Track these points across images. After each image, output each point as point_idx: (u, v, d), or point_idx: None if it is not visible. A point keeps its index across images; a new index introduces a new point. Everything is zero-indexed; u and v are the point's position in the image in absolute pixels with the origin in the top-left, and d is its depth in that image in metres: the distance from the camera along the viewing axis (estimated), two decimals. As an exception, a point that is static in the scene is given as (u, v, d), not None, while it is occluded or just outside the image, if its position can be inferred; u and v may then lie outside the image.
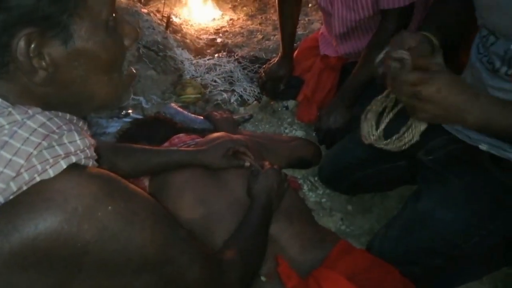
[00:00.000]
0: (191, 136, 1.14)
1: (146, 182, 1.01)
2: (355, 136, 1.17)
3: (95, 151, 0.50)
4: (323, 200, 1.27)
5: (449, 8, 0.89)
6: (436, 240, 0.88)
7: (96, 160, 0.50)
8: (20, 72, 0.43)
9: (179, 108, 1.52)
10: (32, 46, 0.42)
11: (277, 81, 1.60)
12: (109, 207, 0.45)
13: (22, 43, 0.41)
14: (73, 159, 0.45)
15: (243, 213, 0.87)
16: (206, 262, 0.58)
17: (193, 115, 1.50)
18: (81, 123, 0.51)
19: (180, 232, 0.55)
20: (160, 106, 1.60)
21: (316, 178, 1.32)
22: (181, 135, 1.15)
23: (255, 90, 1.75)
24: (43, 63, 0.43)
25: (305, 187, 1.30)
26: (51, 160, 0.43)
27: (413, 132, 0.77)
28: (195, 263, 0.55)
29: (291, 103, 1.65)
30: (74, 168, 0.45)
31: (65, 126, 0.46)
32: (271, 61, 1.67)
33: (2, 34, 0.41)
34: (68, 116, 0.49)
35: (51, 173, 0.43)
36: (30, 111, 0.44)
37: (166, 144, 1.11)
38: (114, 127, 1.43)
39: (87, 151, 0.48)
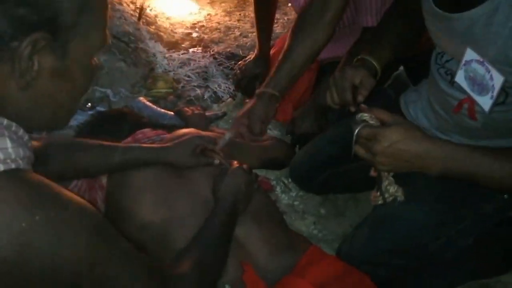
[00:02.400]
0: (156, 132, 1.06)
1: (103, 179, 0.92)
2: (326, 134, 1.15)
3: (40, 149, 0.44)
4: (296, 202, 1.22)
5: (395, 29, 0.91)
6: (403, 240, 0.86)
7: (45, 159, 0.45)
8: (7, 69, 0.41)
9: (148, 103, 1.44)
10: (35, 49, 0.41)
11: (253, 79, 1.55)
12: (37, 217, 0.39)
13: (30, 44, 0.41)
14: (1, 167, 0.40)
15: None
16: (151, 279, 0.52)
17: (163, 110, 1.42)
18: (21, 132, 0.45)
19: (121, 245, 0.49)
20: (128, 99, 1.52)
21: (289, 180, 1.26)
22: (146, 130, 1.07)
23: (230, 87, 1.70)
24: (34, 69, 0.43)
25: (278, 189, 1.24)
26: None
27: (387, 184, 0.75)
28: (138, 281, 0.50)
29: None
30: None
31: None
32: (247, 58, 1.62)
33: (16, 29, 0.40)
34: (5, 121, 0.43)
35: None
36: None
37: (128, 139, 1.03)
38: (76, 120, 1.33)
39: (20, 162, 0.42)
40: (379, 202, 0.76)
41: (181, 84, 1.69)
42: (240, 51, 1.91)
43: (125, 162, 0.87)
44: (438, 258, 0.90)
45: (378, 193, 0.75)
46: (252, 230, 0.88)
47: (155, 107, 1.43)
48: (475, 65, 0.66)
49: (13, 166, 0.41)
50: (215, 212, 0.81)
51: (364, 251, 0.90)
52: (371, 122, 0.68)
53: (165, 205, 0.85)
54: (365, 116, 0.68)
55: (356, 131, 0.67)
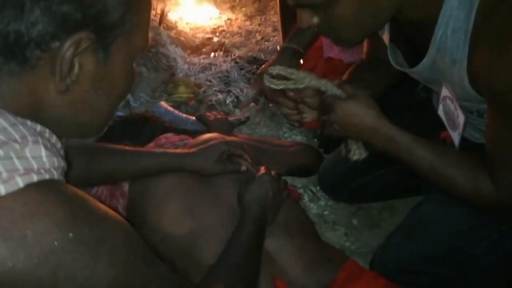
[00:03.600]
0: (180, 137, 1.01)
1: (125, 186, 0.87)
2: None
3: (66, 157, 0.41)
4: (326, 212, 1.14)
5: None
6: (438, 245, 0.81)
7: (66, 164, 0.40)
8: (46, 72, 0.38)
9: (169, 108, 1.40)
10: (78, 50, 0.38)
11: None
12: (70, 234, 0.35)
13: (73, 45, 0.37)
14: (35, 178, 0.35)
15: None
16: None
17: (184, 115, 1.38)
18: (54, 139, 0.41)
19: (158, 267, 0.44)
20: (149, 104, 1.48)
21: (317, 188, 1.19)
22: (169, 135, 1.02)
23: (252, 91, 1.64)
24: (74, 71, 0.39)
25: (306, 198, 1.17)
26: (4, 175, 0.34)
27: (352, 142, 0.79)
28: None
29: None
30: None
31: (30, 137, 0.37)
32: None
33: (59, 28, 0.36)
34: (39, 127, 0.39)
35: (2, 190, 0.33)
36: None
37: (151, 144, 0.98)
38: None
39: (54, 172, 0.37)
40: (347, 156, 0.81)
41: (203, 89, 1.64)
42: (262, 55, 1.86)
43: (149, 168, 0.82)
44: (484, 264, 0.82)
45: (344, 147, 0.82)
46: (283, 243, 0.81)
47: (176, 112, 1.39)
48: (448, 102, 0.70)
49: (47, 176, 0.36)
50: (242, 223, 0.75)
51: (398, 258, 0.84)
52: (338, 93, 0.72)
53: (190, 215, 0.80)
54: (336, 90, 0.73)
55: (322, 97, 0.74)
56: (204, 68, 1.74)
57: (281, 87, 0.75)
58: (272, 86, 0.75)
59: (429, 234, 0.82)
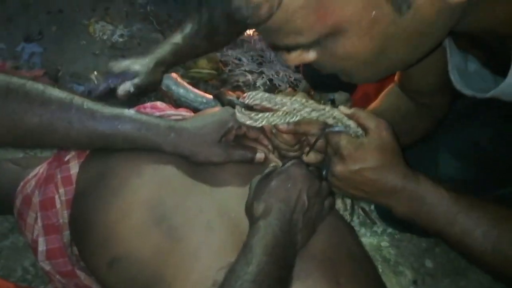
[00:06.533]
0: (178, 109, 0.69)
1: (73, 168, 0.55)
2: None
3: None
4: (384, 244, 0.76)
5: None
6: None
7: None
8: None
9: (181, 81, 1.09)
10: None
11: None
12: None
13: None
14: None
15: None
16: None
17: (198, 92, 1.06)
18: None
19: None
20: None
21: (371, 207, 0.82)
22: (160, 103, 0.69)
23: (291, 75, 1.34)
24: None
25: (354, 219, 0.80)
26: None
27: None
28: None
29: (339, 97, 1.22)
30: None
31: None
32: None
33: None
34: None
35: None
36: None
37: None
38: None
39: None
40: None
41: (229, 67, 1.34)
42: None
43: (105, 136, 0.49)
44: None
45: None
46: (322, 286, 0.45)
47: (189, 87, 1.07)
48: None
49: None
50: (249, 247, 0.42)
51: None
52: (347, 122, 0.50)
53: (161, 227, 0.45)
54: (347, 121, 0.50)
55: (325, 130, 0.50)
56: (234, 44, 1.45)
57: (263, 123, 0.52)
58: (249, 123, 0.52)
59: None
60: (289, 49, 0.40)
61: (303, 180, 0.46)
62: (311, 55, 0.40)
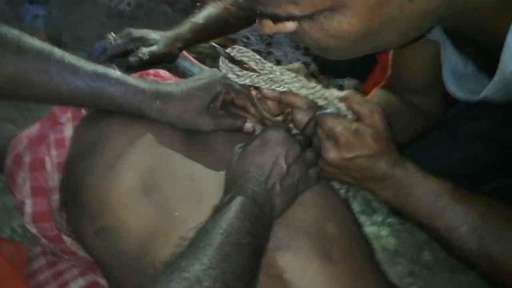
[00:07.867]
0: (175, 76, 0.66)
1: (67, 130, 0.52)
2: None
3: None
4: (383, 233, 0.74)
5: None
6: None
7: None
8: None
9: (187, 55, 1.06)
10: None
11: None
12: None
13: None
14: None
15: None
16: None
17: (203, 66, 1.03)
18: None
19: None
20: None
21: (373, 195, 0.80)
22: (163, 71, 0.66)
23: (299, 58, 1.31)
24: None
25: (355, 206, 0.78)
26: None
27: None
28: None
29: (349, 83, 1.20)
30: None
31: None
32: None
33: None
34: None
35: None
36: None
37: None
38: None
39: None
40: None
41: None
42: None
43: (87, 97, 0.47)
44: None
45: None
46: (313, 269, 0.43)
47: (195, 61, 1.05)
48: None
49: None
50: (219, 211, 0.40)
51: None
52: (341, 110, 0.47)
53: (150, 197, 0.44)
54: (338, 103, 0.48)
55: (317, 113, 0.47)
56: (244, 23, 1.41)
57: (246, 81, 0.49)
58: (231, 76, 0.50)
59: None
60: (275, 19, 0.36)
61: (281, 144, 0.44)
62: (290, 26, 0.37)
